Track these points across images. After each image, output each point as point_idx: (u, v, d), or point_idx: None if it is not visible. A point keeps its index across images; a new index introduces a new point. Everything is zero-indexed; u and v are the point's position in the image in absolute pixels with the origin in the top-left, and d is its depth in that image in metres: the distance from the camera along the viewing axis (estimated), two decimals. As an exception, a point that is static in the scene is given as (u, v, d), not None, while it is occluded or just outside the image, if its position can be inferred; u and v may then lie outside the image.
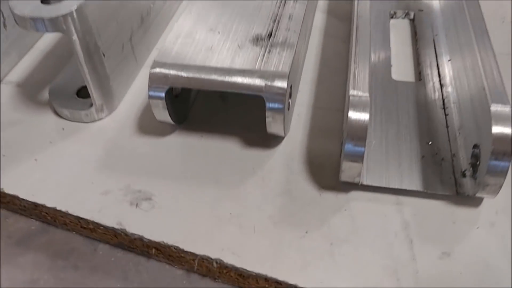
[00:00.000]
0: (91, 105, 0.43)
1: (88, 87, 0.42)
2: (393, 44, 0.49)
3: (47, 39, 0.53)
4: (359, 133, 0.34)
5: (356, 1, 0.44)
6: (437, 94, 0.43)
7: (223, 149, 0.41)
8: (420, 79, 0.45)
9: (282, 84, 0.37)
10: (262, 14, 0.43)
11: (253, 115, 0.43)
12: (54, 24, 0.37)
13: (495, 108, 0.33)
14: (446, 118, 0.41)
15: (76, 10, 0.38)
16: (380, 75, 0.45)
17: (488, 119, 0.33)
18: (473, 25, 0.41)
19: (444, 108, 0.42)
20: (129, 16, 0.45)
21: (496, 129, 0.32)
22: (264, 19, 0.42)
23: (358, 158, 0.34)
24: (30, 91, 0.48)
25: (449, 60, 0.45)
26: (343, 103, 0.43)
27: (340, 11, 0.55)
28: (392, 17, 0.52)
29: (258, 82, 0.37)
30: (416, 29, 0.51)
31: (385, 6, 0.53)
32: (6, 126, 0.44)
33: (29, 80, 0.49)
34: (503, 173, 0.32)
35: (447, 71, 0.45)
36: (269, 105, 0.37)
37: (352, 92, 0.35)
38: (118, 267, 0.37)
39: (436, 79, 0.44)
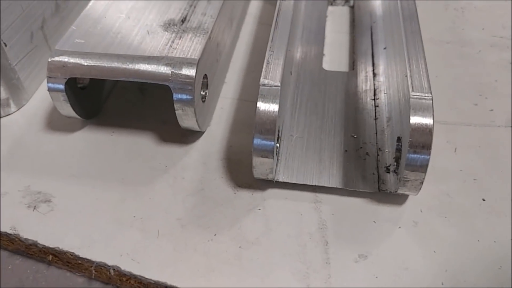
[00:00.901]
0: (-5, 99, 0.40)
1: (-12, 80, 0.38)
2: (329, 32, 0.46)
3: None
4: (268, 125, 0.31)
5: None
6: (369, 84, 0.40)
7: (135, 145, 0.38)
8: (353, 69, 0.42)
9: (190, 72, 0.33)
10: (180, -1, 0.39)
11: (172, 108, 0.40)
12: None
13: (414, 96, 0.30)
14: (375, 109, 0.38)
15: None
16: (310, 65, 0.42)
17: (408, 108, 0.30)
18: (403, 9, 0.38)
19: (374, 99, 0.39)
20: (39, 2, 0.41)
21: (415, 119, 0.30)
22: (181, 3, 0.39)
23: (268, 153, 0.31)
24: None
25: (384, 48, 0.42)
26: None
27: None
28: (331, 4, 0.49)
29: (163, 69, 0.33)
30: (355, 17, 0.48)
31: (324, -7, 0.50)
32: None
33: None
34: (422, 167, 0.30)
35: (381, 60, 0.42)
36: (177, 95, 0.34)
37: (262, 81, 0.32)
38: (15, 275, 0.34)
39: (369, 69, 0.42)
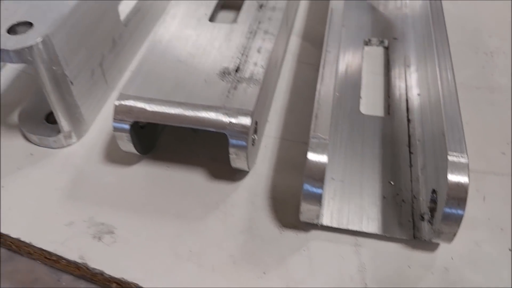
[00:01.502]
0: (60, 131, 0.43)
1: (55, 116, 0.42)
2: (365, 73, 0.49)
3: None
4: (317, 176, 0.34)
5: (327, 32, 0.44)
6: (404, 130, 0.43)
7: (188, 181, 0.41)
8: (389, 113, 0.45)
9: (245, 122, 0.37)
10: (231, 46, 0.42)
11: (221, 146, 0.43)
12: (20, 55, 0.37)
13: (452, 157, 0.33)
14: (410, 156, 0.41)
15: (42, 42, 0.37)
16: (349, 107, 0.45)
17: (445, 166, 0.33)
18: (439, 56, 0.40)
19: (409, 146, 0.42)
20: (100, 41, 0.45)
21: (451, 178, 0.33)
22: (233, 51, 0.42)
23: (316, 201, 0.34)
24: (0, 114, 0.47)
25: (418, 95, 0.45)
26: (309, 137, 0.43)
27: (315, 35, 0.55)
28: (366, 45, 0.52)
29: (222, 119, 0.37)
30: (389, 58, 0.51)
31: (360, 33, 0.52)
32: (-27, 150, 0.44)
33: None
34: (457, 222, 0.33)
35: (416, 105, 0.45)
36: (232, 141, 0.37)
37: (312, 134, 0.35)
38: (80, 299, 0.38)
39: (404, 114, 0.44)
